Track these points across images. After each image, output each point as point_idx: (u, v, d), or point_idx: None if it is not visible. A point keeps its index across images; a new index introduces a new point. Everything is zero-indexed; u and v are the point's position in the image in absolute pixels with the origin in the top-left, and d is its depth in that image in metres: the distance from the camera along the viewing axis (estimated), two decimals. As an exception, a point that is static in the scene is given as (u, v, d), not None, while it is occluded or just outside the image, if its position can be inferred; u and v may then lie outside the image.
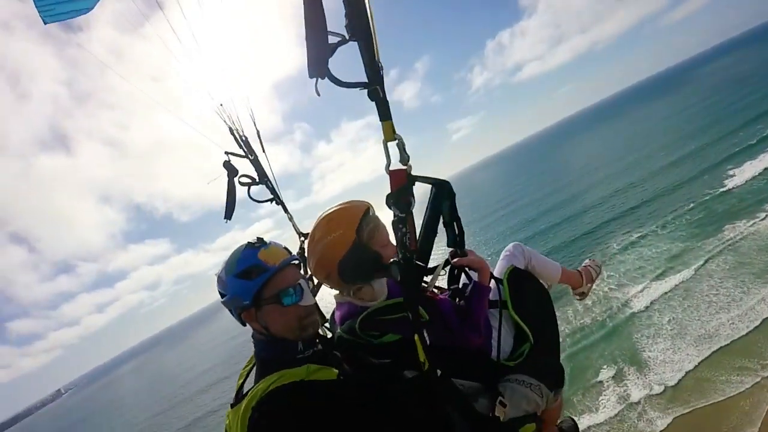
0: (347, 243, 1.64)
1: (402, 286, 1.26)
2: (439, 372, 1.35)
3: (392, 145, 1.13)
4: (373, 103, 1.07)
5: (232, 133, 2.34)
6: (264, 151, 2.43)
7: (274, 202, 2.49)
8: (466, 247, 1.69)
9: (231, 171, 2.32)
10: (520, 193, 38.49)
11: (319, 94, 0.99)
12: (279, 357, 1.47)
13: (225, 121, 2.29)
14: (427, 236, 1.27)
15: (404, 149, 1.12)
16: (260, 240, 1.54)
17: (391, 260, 1.19)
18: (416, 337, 1.26)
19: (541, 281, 2.20)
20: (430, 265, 2.09)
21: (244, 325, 1.57)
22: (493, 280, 1.94)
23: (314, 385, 1.34)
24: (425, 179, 1.29)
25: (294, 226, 2.52)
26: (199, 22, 2.07)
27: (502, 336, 1.85)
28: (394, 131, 1.11)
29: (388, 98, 1.05)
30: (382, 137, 1.12)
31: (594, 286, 2.78)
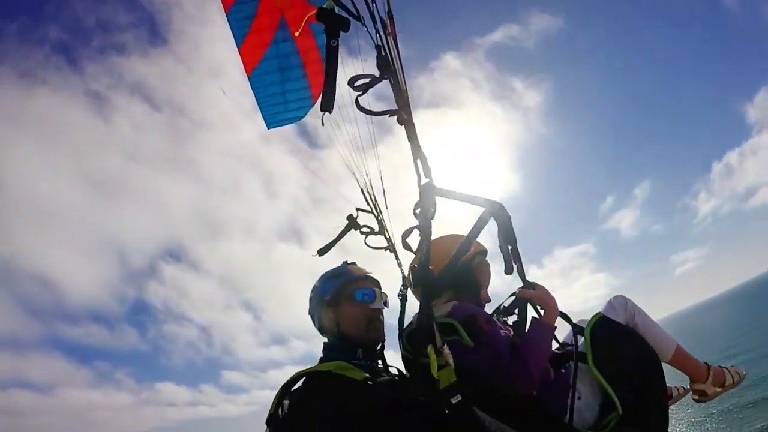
0: (465, 251, 1.55)
1: (420, 298, 1.30)
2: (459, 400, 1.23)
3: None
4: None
5: (363, 193, 2.82)
6: (387, 207, 2.81)
7: (388, 250, 2.77)
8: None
9: (352, 222, 2.75)
10: (750, 343, 27.53)
11: (323, 124, 1.34)
12: (334, 357, 1.63)
13: (357, 181, 2.81)
14: (457, 254, 1.31)
15: (427, 163, 1.28)
16: (352, 262, 1.97)
17: (411, 265, 1.28)
18: (432, 352, 1.23)
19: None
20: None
21: (323, 333, 1.85)
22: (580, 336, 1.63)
23: (337, 377, 1.44)
24: (459, 196, 1.35)
25: (402, 273, 2.72)
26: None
27: (584, 399, 1.50)
28: (420, 149, 1.30)
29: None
30: (410, 155, 1.32)
31: (722, 395, 1.92)
